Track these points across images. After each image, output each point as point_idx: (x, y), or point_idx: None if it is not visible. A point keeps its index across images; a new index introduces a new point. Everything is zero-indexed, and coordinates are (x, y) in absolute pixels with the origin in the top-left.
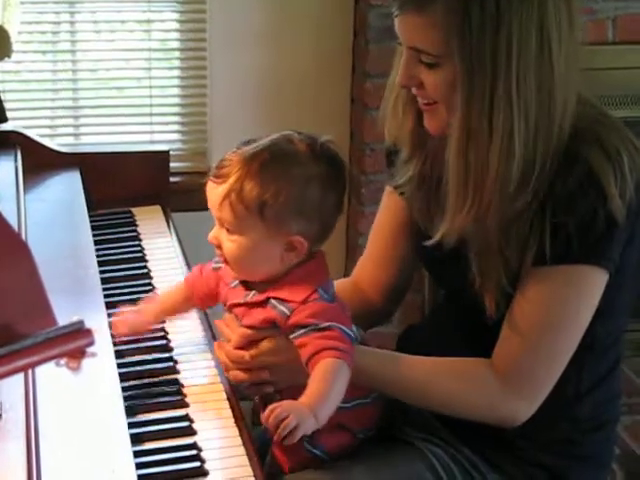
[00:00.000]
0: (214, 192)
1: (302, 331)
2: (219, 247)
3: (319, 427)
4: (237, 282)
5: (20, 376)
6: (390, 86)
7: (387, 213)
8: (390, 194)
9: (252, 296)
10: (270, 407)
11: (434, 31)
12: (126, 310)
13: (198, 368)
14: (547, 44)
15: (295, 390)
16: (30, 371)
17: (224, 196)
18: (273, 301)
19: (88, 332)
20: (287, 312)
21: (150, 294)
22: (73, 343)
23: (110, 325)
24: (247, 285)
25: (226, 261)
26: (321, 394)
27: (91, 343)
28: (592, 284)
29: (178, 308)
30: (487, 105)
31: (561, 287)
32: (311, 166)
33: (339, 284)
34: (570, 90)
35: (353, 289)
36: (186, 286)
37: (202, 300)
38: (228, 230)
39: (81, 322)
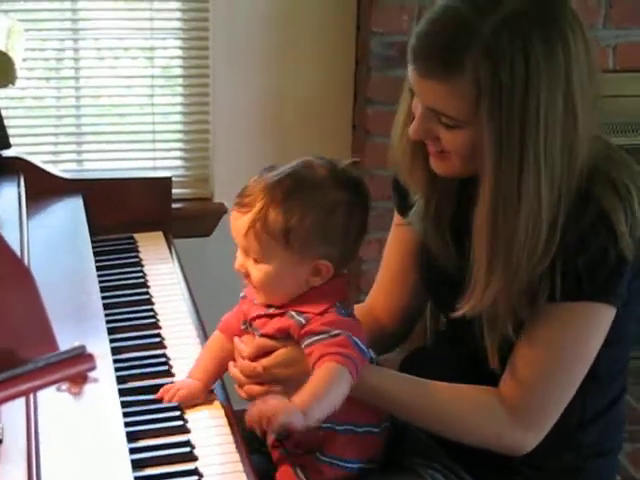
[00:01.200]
0: (239, 222)
1: (314, 339)
2: (247, 276)
3: (307, 424)
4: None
5: (21, 401)
6: (397, 124)
7: (396, 241)
8: (399, 222)
9: (273, 309)
10: (253, 402)
11: (460, 99)
12: (174, 383)
13: None
14: (571, 105)
15: None
16: (32, 396)
17: (249, 226)
18: (292, 312)
19: (90, 357)
20: (303, 321)
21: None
22: (74, 368)
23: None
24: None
25: (254, 287)
26: (314, 392)
27: (92, 368)
28: (601, 320)
29: (225, 361)
30: (516, 171)
31: (571, 324)
32: (333, 191)
33: (355, 308)
34: (589, 139)
35: (367, 314)
36: (224, 334)
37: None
38: (255, 259)
39: (82, 347)
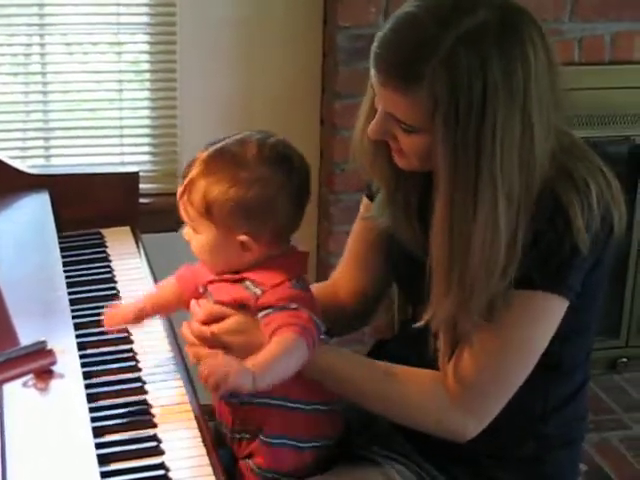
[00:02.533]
0: (178, 194)
1: (270, 310)
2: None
3: (255, 389)
4: None
5: None
6: (360, 118)
7: (363, 223)
8: (367, 205)
9: (227, 275)
10: (205, 360)
11: (417, 109)
12: (117, 304)
13: (166, 388)
14: (529, 122)
15: None
16: None
17: (179, 196)
18: (247, 282)
19: (50, 352)
20: (258, 292)
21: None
22: (35, 363)
23: (103, 317)
24: None
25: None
26: (268, 358)
27: (53, 363)
28: (550, 311)
29: (170, 306)
30: (471, 189)
31: (519, 312)
32: (257, 168)
33: (316, 286)
34: (549, 145)
35: (329, 292)
36: (178, 283)
37: (193, 295)
38: (192, 229)
39: (43, 342)
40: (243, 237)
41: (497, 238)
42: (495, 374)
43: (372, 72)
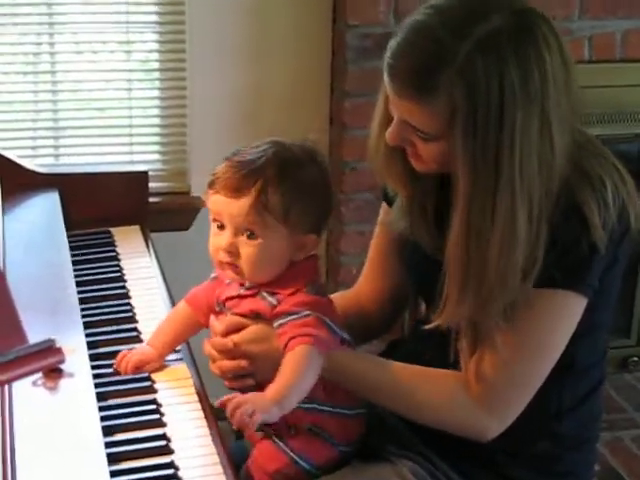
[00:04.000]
0: (234, 205)
1: (284, 320)
2: (232, 254)
3: (285, 413)
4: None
5: None
6: (374, 124)
7: (383, 229)
8: (386, 209)
9: (245, 289)
10: (229, 396)
11: (434, 119)
12: (131, 350)
13: (176, 387)
14: (547, 126)
15: None
16: (7, 390)
17: (250, 206)
18: (264, 293)
19: (58, 350)
20: (274, 302)
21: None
22: (44, 361)
23: (116, 363)
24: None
25: (234, 267)
26: (287, 382)
27: (61, 361)
28: (570, 309)
29: (186, 333)
30: (490, 197)
31: (539, 311)
32: (311, 168)
33: (340, 295)
34: (566, 145)
35: (352, 300)
36: (190, 306)
37: (207, 316)
38: (249, 237)
39: (52, 340)
40: (310, 236)
41: (514, 246)
42: (517, 374)
43: (386, 81)
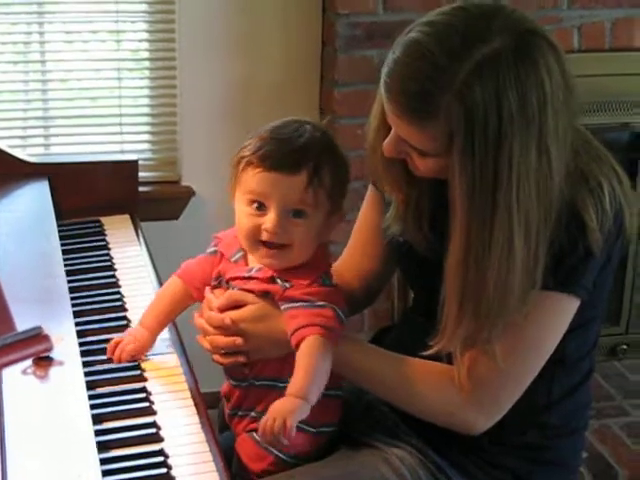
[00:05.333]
0: (286, 183)
1: (297, 304)
2: (278, 235)
3: (312, 405)
4: (239, 255)
5: None
6: (370, 127)
7: (370, 209)
8: (374, 192)
9: (256, 271)
10: (261, 422)
11: (432, 140)
12: (123, 337)
13: (166, 375)
14: (545, 149)
15: (264, 365)
16: None
17: (308, 183)
18: (277, 279)
19: (46, 338)
20: (287, 285)
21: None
22: (31, 348)
23: (108, 350)
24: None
25: (277, 249)
26: (308, 376)
27: (49, 348)
28: (564, 311)
29: (178, 309)
30: (488, 221)
31: (533, 311)
32: (339, 149)
33: None
34: (565, 163)
35: (335, 276)
36: (183, 281)
37: (199, 290)
38: (294, 215)
39: (39, 328)
40: (339, 214)
41: (512, 270)
42: (508, 372)
43: (383, 99)
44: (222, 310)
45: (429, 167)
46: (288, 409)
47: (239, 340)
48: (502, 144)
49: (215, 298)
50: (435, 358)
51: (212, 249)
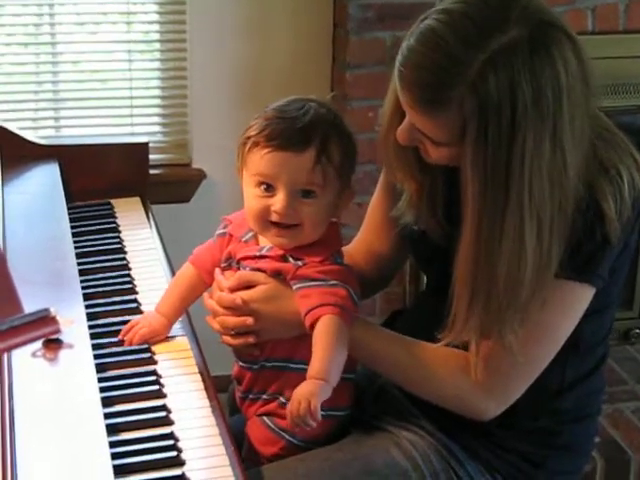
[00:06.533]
0: (294, 161)
1: (309, 284)
2: (289, 216)
3: (335, 385)
4: (250, 235)
5: None
6: (384, 115)
7: (382, 194)
8: (386, 177)
9: (267, 250)
10: (287, 411)
11: (445, 130)
12: (139, 320)
13: (176, 359)
14: (559, 144)
15: (274, 346)
16: (6, 360)
17: (315, 161)
18: (289, 258)
19: (53, 320)
20: (299, 264)
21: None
22: (39, 331)
23: (122, 333)
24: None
25: (288, 230)
26: (328, 357)
27: (57, 331)
28: (579, 300)
29: (194, 294)
30: (499, 215)
31: (548, 299)
32: (344, 123)
33: None
34: (582, 154)
35: (346, 258)
36: (195, 267)
37: (211, 274)
38: (304, 196)
39: (46, 310)
40: (350, 190)
41: (522, 264)
42: (522, 360)
43: (397, 87)
44: (233, 290)
45: (442, 155)
46: (312, 391)
47: (250, 320)
48: (515, 136)
49: (225, 279)
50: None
51: (221, 231)
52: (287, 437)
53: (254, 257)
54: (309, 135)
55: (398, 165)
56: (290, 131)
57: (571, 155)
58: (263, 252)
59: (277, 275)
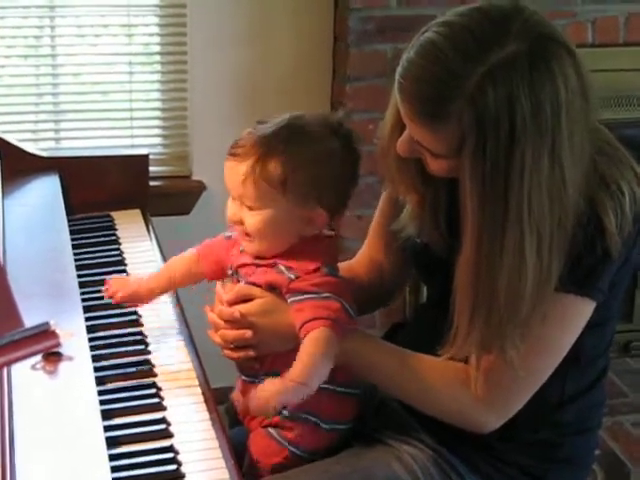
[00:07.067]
0: (235, 170)
1: (303, 297)
2: (240, 224)
3: (310, 392)
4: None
5: None
6: (384, 127)
7: (386, 208)
8: (388, 192)
9: (260, 259)
10: (251, 394)
11: (444, 143)
12: (126, 276)
13: (176, 371)
14: (558, 159)
15: (274, 359)
16: (5, 373)
17: (247, 174)
18: (281, 266)
19: (53, 334)
20: (292, 277)
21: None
22: (39, 345)
23: (105, 284)
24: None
25: (246, 236)
26: (308, 365)
27: (57, 345)
28: (579, 314)
29: (186, 279)
30: (499, 229)
31: (548, 313)
32: (329, 142)
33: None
34: (583, 170)
35: (350, 271)
36: (200, 256)
37: (211, 269)
38: (250, 207)
39: (46, 324)
40: (317, 210)
41: (523, 278)
42: (522, 373)
43: (397, 99)
44: (231, 304)
45: (442, 167)
46: (279, 390)
47: (248, 333)
48: (514, 150)
49: (225, 292)
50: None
51: (228, 234)
52: (291, 448)
53: (249, 265)
54: (252, 150)
55: (400, 177)
56: (243, 142)
57: (570, 171)
58: (256, 260)
59: (272, 289)
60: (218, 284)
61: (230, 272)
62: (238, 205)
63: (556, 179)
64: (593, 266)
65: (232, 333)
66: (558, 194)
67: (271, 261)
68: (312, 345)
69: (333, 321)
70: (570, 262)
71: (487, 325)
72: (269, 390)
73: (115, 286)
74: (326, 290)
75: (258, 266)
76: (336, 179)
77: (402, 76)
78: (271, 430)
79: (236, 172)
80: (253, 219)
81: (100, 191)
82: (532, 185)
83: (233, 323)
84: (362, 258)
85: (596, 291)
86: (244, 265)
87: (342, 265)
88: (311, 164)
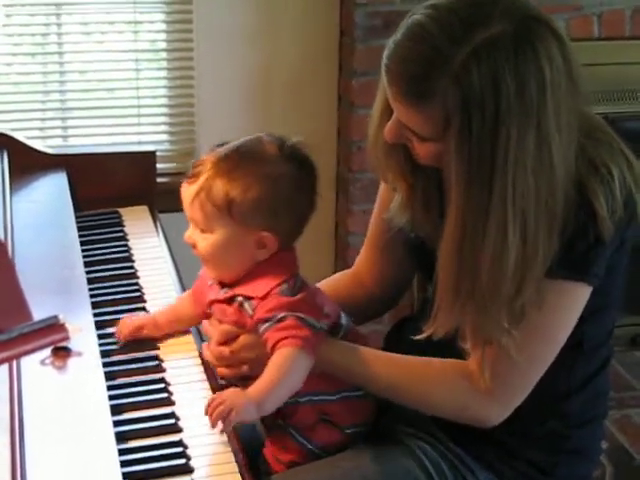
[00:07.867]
0: (187, 192)
1: (264, 326)
2: (194, 246)
3: (263, 414)
4: (213, 280)
5: (5, 373)
6: (373, 117)
7: (383, 206)
8: (386, 188)
9: (223, 293)
10: (211, 396)
11: (429, 123)
12: (134, 316)
13: (184, 366)
14: (545, 141)
15: None
16: (15, 368)
17: (194, 195)
18: (240, 298)
19: (62, 327)
20: (250, 312)
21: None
22: (48, 338)
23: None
24: (220, 282)
25: (202, 259)
26: (267, 383)
27: (66, 338)
28: (575, 299)
29: (189, 320)
30: (482, 211)
31: (545, 300)
32: (279, 165)
33: (339, 276)
34: (571, 152)
35: (352, 280)
36: (191, 300)
37: (204, 309)
38: (201, 230)
39: (55, 317)
40: (265, 234)
41: (505, 261)
42: (521, 362)
43: (384, 82)
44: (220, 344)
45: (429, 152)
46: (239, 406)
47: (244, 368)
48: (499, 130)
49: (213, 328)
50: (452, 355)
51: (200, 272)
52: (309, 446)
53: (216, 301)
54: (202, 170)
55: (388, 165)
56: (198, 163)
57: (557, 151)
58: (219, 296)
59: (242, 327)
60: (204, 322)
61: (208, 309)
62: (193, 227)
63: (543, 160)
64: (586, 251)
65: (228, 371)
66: (544, 175)
67: (231, 293)
68: (272, 367)
69: (296, 338)
70: (563, 248)
71: (470, 303)
72: (231, 403)
73: (121, 326)
74: (281, 311)
75: (223, 302)
76: (288, 203)
77: (388, 58)
78: (292, 430)
79: (187, 193)
80: (204, 242)
81: (108, 188)
82: (517, 165)
83: (225, 361)
84: (363, 261)
85: (591, 276)
86: (214, 302)
87: (347, 274)
88: (258, 187)
